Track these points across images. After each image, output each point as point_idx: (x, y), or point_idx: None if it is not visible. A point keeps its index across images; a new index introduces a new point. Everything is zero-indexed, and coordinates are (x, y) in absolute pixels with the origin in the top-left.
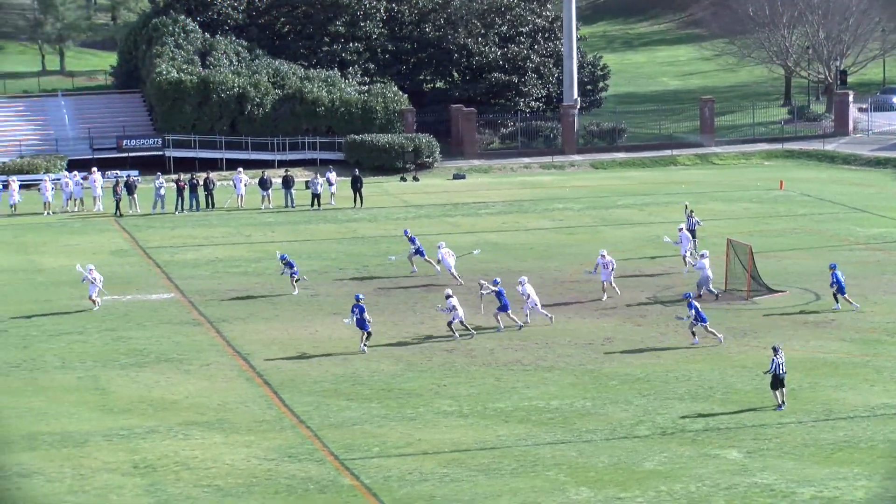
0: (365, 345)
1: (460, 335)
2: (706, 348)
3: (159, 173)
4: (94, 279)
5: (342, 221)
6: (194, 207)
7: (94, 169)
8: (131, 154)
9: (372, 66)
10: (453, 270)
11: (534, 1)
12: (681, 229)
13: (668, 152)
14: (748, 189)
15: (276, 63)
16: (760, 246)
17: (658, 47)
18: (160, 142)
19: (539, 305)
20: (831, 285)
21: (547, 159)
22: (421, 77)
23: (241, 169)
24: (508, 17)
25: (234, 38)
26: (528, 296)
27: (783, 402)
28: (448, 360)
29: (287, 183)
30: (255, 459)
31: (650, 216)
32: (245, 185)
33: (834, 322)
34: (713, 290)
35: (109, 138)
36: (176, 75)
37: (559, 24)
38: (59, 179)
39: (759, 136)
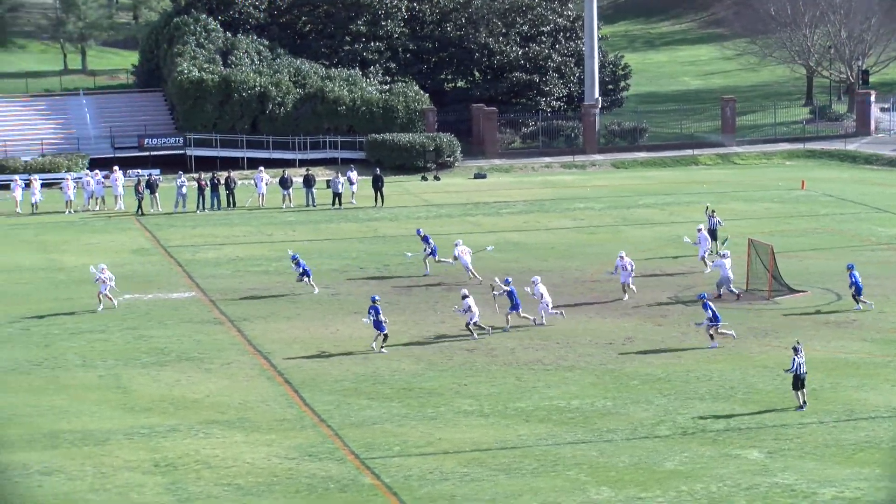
0: (383, 346)
1: (477, 335)
2: (727, 348)
3: (181, 172)
4: (106, 278)
5: (363, 220)
6: (216, 206)
7: (116, 168)
8: (153, 153)
9: (393, 65)
10: (470, 267)
11: (555, 0)
12: (699, 230)
13: (689, 152)
14: (769, 189)
15: (298, 62)
16: (782, 246)
17: (679, 47)
18: (181, 141)
19: (550, 306)
20: (850, 286)
21: (568, 159)
22: (442, 76)
23: (262, 168)
24: (530, 16)
25: (255, 38)
26: (542, 295)
27: (804, 403)
28: (469, 359)
29: (308, 182)
30: (275, 458)
31: (671, 216)
32: (266, 184)
33: (855, 322)
34: (734, 290)
35: (131, 137)
36: (197, 74)
37: (580, 23)
38: (80, 178)
39: (781, 135)
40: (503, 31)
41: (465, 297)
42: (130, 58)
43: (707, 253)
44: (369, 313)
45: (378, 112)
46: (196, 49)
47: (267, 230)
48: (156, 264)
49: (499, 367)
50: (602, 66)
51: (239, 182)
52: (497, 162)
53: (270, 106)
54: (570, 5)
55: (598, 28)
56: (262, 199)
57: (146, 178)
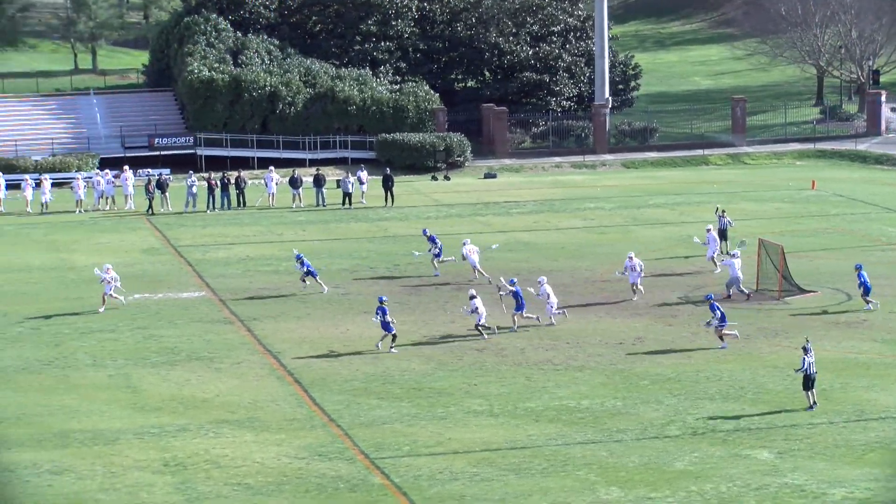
0: (393, 346)
1: (487, 335)
2: (737, 349)
3: (192, 172)
4: (111, 279)
5: (373, 220)
6: (226, 206)
7: (126, 167)
8: (163, 152)
9: (403, 64)
10: (478, 267)
11: (566, 0)
12: (708, 230)
13: (699, 152)
14: (780, 189)
15: (308, 62)
16: (792, 246)
17: (690, 47)
18: (192, 140)
19: (555, 307)
20: (858, 286)
21: (578, 159)
22: (452, 76)
23: (272, 167)
24: (540, 16)
25: (265, 37)
26: (549, 295)
27: (815, 403)
28: (479, 359)
29: (318, 182)
30: (285, 458)
31: (681, 216)
32: (276, 184)
33: (865, 322)
34: (744, 289)
35: (141, 137)
36: (207, 74)
37: (591, 23)
38: (91, 178)
39: (791, 135)
40: (513, 30)
41: (472, 297)
42: (141, 57)
43: (716, 253)
44: (377, 314)
45: (388, 112)
46: (206, 49)
47: (277, 230)
48: (166, 264)
49: (509, 366)
50: (612, 66)
51: (249, 182)
52: (507, 162)
53: (281, 105)
54: (580, 5)
55: (609, 28)
56: (273, 199)
57: (156, 177)
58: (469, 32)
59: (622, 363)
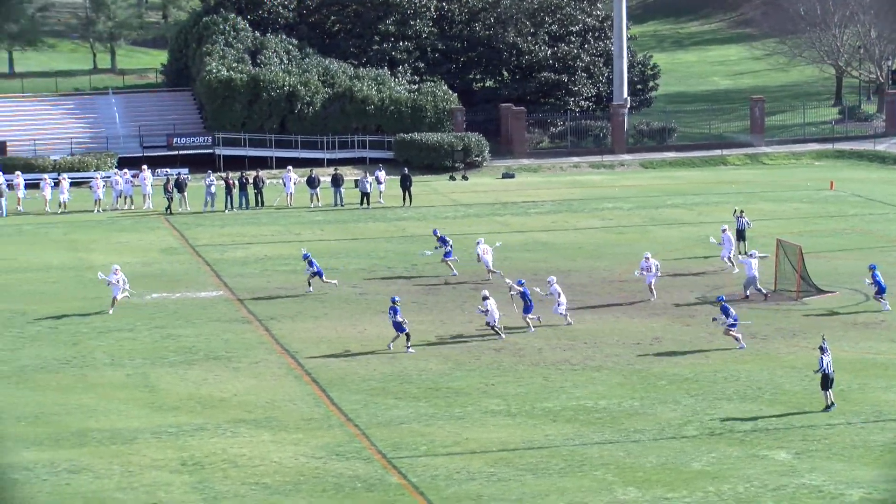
0: (410, 346)
1: (498, 335)
2: (755, 349)
3: (210, 171)
4: (120, 279)
5: (391, 220)
6: (244, 206)
7: (144, 167)
8: (181, 152)
9: (422, 64)
10: (491, 266)
11: (584, 0)
12: (724, 230)
13: (718, 152)
14: (798, 189)
15: (327, 62)
16: (810, 246)
17: (709, 47)
18: (210, 140)
19: (563, 307)
20: (872, 285)
21: (596, 158)
22: (471, 76)
23: (290, 167)
24: (558, 16)
25: (284, 37)
26: (559, 294)
27: (832, 403)
28: (496, 359)
29: (336, 181)
30: (302, 457)
31: (700, 216)
32: (295, 184)
33: (884, 323)
34: (762, 289)
35: (160, 136)
36: (226, 73)
37: (609, 23)
38: (109, 177)
39: (810, 136)
40: (532, 30)
41: (485, 298)
42: (159, 57)
43: (731, 253)
44: (390, 313)
45: (406, 112)
46: (225, 48)
47: (295, 229)
48: (184, 263)
49: (526, 366)
50: (631, 66)
51: (267, 181)
52: (525, 162)
53: (299, 105)
54: (599, 5)
55: (627, 28)
56: (291, 199)
57: (175, 177)
58: (487, 32)
59: (640, 363)
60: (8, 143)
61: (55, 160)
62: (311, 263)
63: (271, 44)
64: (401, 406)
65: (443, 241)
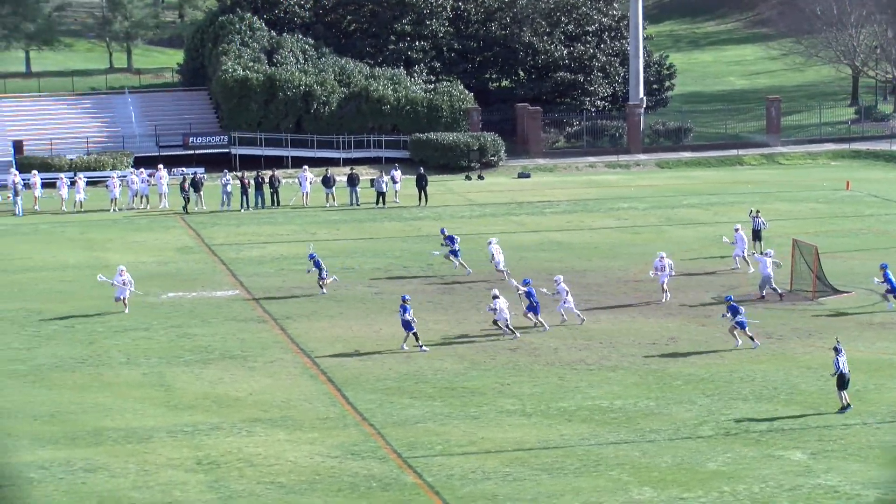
0: (423, 345)
1: (506, 334)
2: (770, 349)
3: (226, 171)
4: (126, 280)
5: (407, 220)
6: (260, 205)
7: (161, 166)
8: (197, 151)
9: (438, 64)
10: (500, 266)
11: (600, 0)
12: (737, 229)
13: (734, 152)
14: (814, 189)
15: (343, 61)
16: (826, 246)
17: (725, 46)
18: (226, 139)
19: (564, 306)
20: (883, 283)
21: (612, 158)
22: (487, 76)
23: (306, 167)
24: (574, 15)
25: (300, 36)
26: (567, 292)
27: (848, 404)
28: (512, 358)
29: (352, 181)
30: (318, 457)
31: (715, 216)
32: (311, 183)
33: None
34: (776, 288)
35: (176, 136)
36: (242, 73)
37: (625, 23)
38: (125, 176)
39: (826, 136)
40: (548, 30)
41: (495, 297)
42: (176, 56)
43: (744, 252)
44: (399, 312)
45: (422, 111)
46: (241, 48)
47: (311, 229)
48: (200, 262)
49: (541, 366)
50: (647, 66)
51: (283, 181)
52: (541, 161)
53: (315, 105)
54: (615, 5)
55: (643, 28)
56: (306, 198)
57: (191, 176)
58: (503, 32)
59: (655, 363)
60: (25, 143)
61: (71, 159)
62: (316, 264)
63: (287, 43)
64: (416, 405)
65: (450, 239)
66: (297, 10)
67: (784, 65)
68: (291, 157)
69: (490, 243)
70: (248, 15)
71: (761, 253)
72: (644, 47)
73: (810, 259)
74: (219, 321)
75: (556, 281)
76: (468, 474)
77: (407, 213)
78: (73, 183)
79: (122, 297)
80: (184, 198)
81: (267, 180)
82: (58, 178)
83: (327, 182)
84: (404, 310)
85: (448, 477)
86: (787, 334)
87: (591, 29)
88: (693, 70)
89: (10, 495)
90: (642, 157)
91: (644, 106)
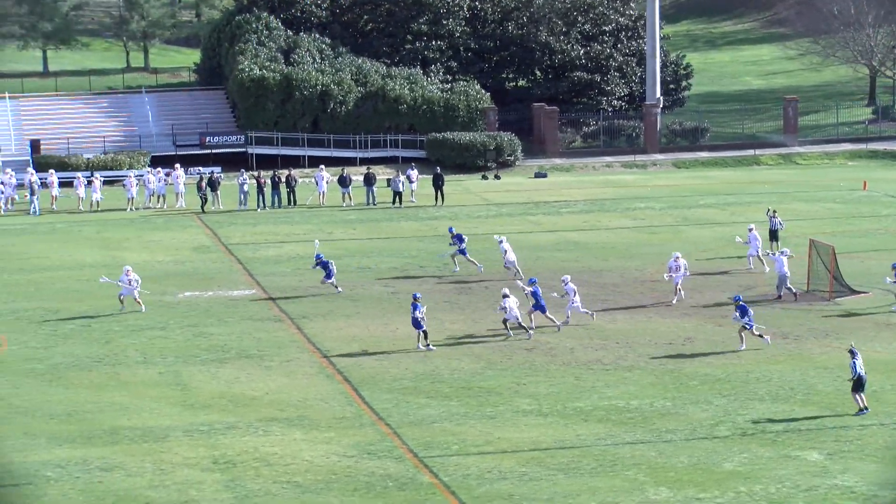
0: (429, 343)
1: (514, 333)
2: (787, 349)
3: (243, 170)
4: (129, 281)
5: (423, 219)
6: (276, 204)
7: (177, 165)
8: (214, 151)
9: (454, 64)
10: (509, 265)
11: (617, 0)
12: (751, 229)
13: (751, 152)
14: (831, 189)
15: (359, 61)
16: (843, 246)
17: (742, 46)
18: (243, 139)
19: (572, 306)
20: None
21: (629, 158)
22: (503, 75)
23: (322, 166)
24: (591, 15)
25: (317, 36)
26: (574, 292)
27: (866, 407)
28: (528, 358)
29: (368, 180)
30: (334, 456)
31: (732, 216)
32: (327, 183)
33: None
34: (791, 287)
35: (192, 135)
36: (259, 72)
37: (642, 22)
38: (142, 176)
39: (843, 136)
40: (564, 30)
41: (505, 296)
42: (192, 56)
43: (758, 252)
44: (411, 310)
45: (439, 111)
46: (258, 47)
47: (327, 228)
48: (216, 262)
49: (558, 366)
50: (664, 66)
51: (300, 180)
52: (558, 161)
53: (332, 104)
54: (632, 4)
55: (660, 27)
56: (323, 198)
57: (208, 175)
58: (520, 32)
59: (671, 363)
60: (42, 142)
61: (88, 158)
62: (322, 264)
63: (304, 43)
64: (432, 405)
65: (458, 238)
66: (314, 10)
67: (801, 65)
68: (308, 156)
69: (500, 241)
70: (265, 14)
71: (779, 252)
72: (661, 47)
73: (827, 259)
74: (235, 320)
75: (563, 281)
76: (484, 474)
77: (423, 213)
78: (90, 182)
79: (126, 296)
80: (201, 197)
81: (283, 180)
82: (75, 178)
83: (344, 182)
84: (415, 307)
85: (464, 477)
86: (803, 335)
87: (607, 29)
88: (710, 70)
89: (27, 493)
90: (659, 156)
91: (661, 106)
